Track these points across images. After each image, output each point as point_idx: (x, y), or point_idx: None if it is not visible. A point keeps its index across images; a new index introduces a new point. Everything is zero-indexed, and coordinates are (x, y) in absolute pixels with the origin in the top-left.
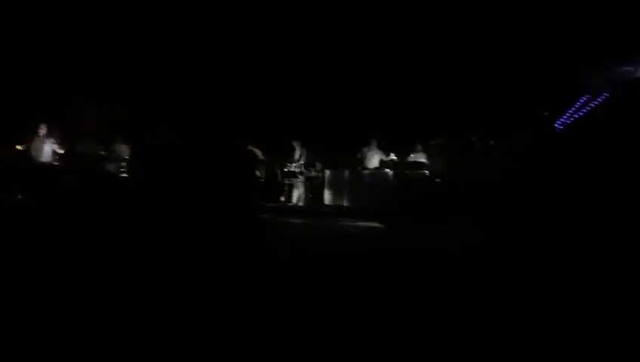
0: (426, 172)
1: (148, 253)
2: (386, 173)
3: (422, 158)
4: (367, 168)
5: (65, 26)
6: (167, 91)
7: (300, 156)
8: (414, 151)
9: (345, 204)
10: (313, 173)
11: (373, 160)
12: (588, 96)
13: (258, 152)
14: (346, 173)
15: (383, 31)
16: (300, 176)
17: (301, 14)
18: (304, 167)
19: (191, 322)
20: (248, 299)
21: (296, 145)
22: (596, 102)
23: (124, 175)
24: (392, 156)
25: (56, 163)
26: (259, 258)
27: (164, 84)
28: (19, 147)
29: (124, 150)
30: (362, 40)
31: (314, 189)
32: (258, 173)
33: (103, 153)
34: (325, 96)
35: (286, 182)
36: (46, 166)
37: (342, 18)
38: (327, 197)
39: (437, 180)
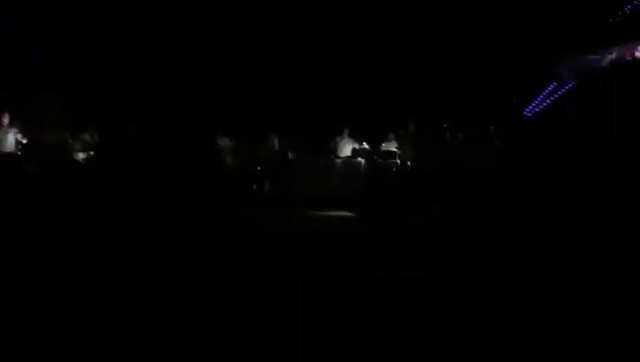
0: (398, 161)
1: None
2: (359, 162)
3: (394, 147)
4: (339, 157)
5: (30, 16)
6: (139, 79)
7: (274, 145)
8: (386, 140)
9: (317, 193)
10: (287, 162)
11: (346, 149)
12: (555, 84)
13: (227, 141)
14: (319, 161)
15: (357, 21)
16: (273, 165)
17: (276, 6)
18: (278, 155)
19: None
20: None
21: (271, 133)
22: (563, 91)
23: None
24: (365, 145)
25: (19, 152)
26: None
27: (136, 72)
28: None
29: (92, 139)
30: (336, 30)
31: (286, 178)
32: (229, 162)
33: (70, 142)
34: (299, 85)
35: (259, 170)
36: (8, 155)
37: (317, 10)
38: (300, 186)
39: (408, 169)
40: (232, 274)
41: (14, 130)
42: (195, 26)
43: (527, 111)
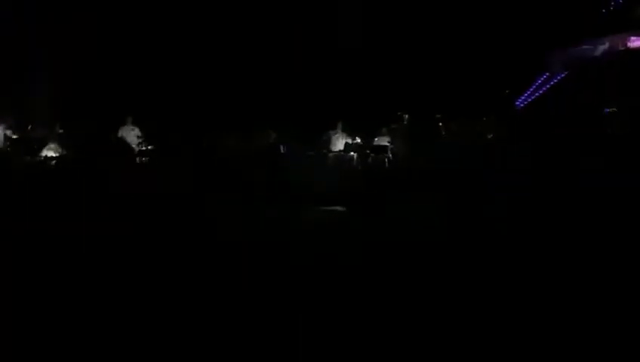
0: (390, 155)
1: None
2: (351, 157)
3: (386, 141)
4: (332, 151)
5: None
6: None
7: (266, 138)
8: (379, 134)
9: (308, 187)
10: (278, 156)
11: (339, 143)
12: (547, 74)
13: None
14: (311, 156)
15: (350, 15)
16: (265, 159)
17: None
18: (270, 149)
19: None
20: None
21: (263, 127)
22: (555, 81)
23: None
24: (357, 140)
25: (8, 148)
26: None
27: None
28: None
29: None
30: (329, 24)
31: (277, 172)
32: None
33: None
34: (292, 79)
35: (250, 163)
36: None
37: (311, 6)
38: (291, 180)
39: (400, 163)
40: (229, 271)
41: (3, 125)
42: (191, 22)
43: (519, 102)
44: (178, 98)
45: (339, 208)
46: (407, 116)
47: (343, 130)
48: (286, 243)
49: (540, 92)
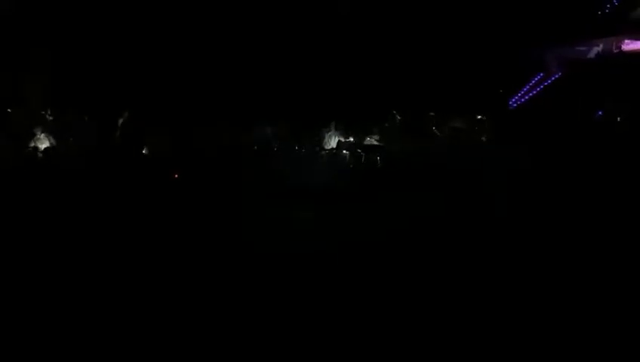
0: (382, 154)
1: None
2: (344, 155)
3: (377, 140)
4: (324, 149)
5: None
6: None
7: (259, 135)
8: (372, 133)
9: (299, 186)
10: (270, 153)
11: (332, 141)
12: (541, 74)
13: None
14: (303, 153)
15: (345, 13)
16: (256, 156)
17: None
18: (261, 146)
19: None
20: None
21: (256, 124)
22: (549, 82)
23: None
24: (350, 138)
25: None
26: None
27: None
28: None
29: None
30: (325, 21)
31: (269, 169)
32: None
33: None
34: (286, 77)
35: (241, 160)
36: None
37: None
38: (282, 178)
39: (391, 162)
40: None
41: None
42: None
43: (513, 102)
44: (170, 93)
45: (330, 206)
46: (399, 117)
47: (337, 129)
48: (277, 241)
49: (534, 92)
